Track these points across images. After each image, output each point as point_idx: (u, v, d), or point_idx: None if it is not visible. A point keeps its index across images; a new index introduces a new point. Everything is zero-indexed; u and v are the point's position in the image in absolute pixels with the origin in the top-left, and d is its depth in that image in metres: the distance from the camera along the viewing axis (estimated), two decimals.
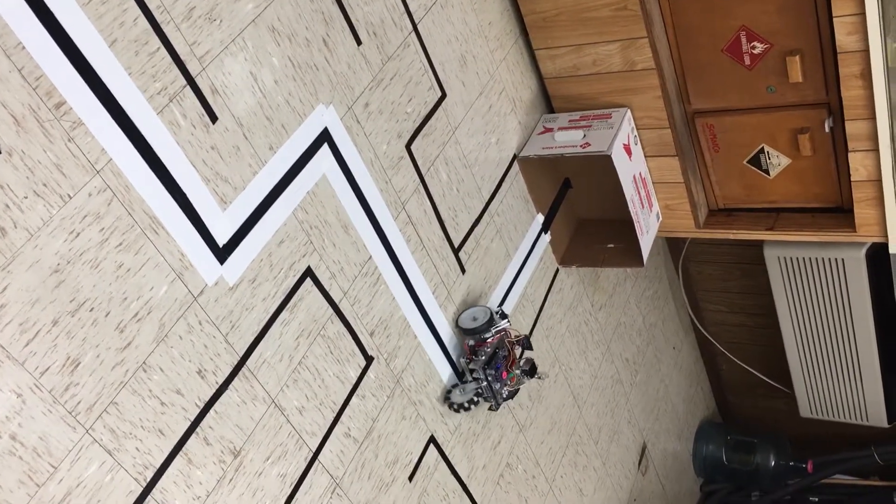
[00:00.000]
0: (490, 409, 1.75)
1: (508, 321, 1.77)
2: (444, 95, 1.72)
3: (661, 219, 2.16)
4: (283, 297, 1.38)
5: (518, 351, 1.76)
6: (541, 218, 2.07)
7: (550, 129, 2.00)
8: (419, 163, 1.67)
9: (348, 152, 1.49)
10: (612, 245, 2.15)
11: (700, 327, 2.89)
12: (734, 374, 3.13)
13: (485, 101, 1.84)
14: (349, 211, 1.50)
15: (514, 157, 1.96)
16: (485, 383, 1.71)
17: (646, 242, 2.05)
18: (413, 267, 1.66)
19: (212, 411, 1.26)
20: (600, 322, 2.42)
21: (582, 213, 2.26)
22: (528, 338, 1.79)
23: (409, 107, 1.64)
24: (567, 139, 1.94)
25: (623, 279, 2.53)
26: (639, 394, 2.67)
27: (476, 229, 1.84)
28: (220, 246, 1.27)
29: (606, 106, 1.97)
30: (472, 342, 1.75)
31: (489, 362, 1.70)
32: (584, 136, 1.92)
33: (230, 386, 1.29)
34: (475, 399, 1.73)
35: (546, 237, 2.10)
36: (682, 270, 2.77)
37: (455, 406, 1.73)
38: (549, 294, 2.11)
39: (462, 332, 1.76)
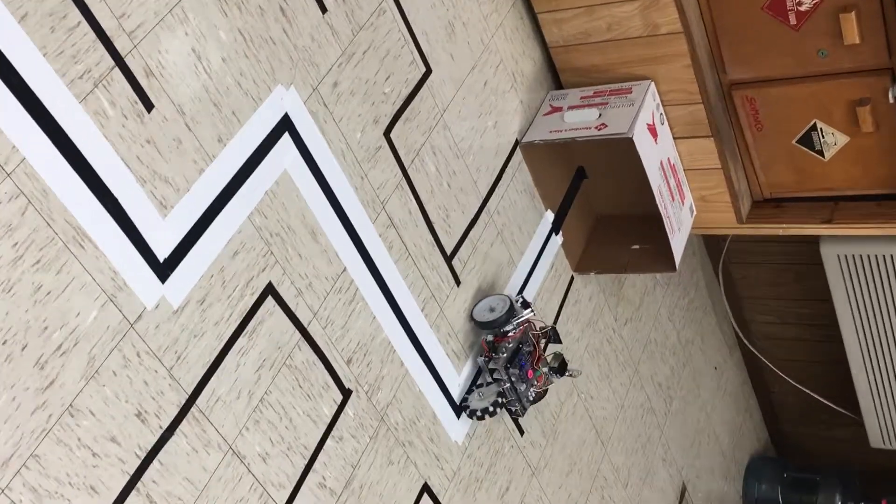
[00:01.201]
0: (514, 415, 1.75)
1: (532, 310, 1.77)
2: (428, 71, 1.71)
3: (695, 213, 2.16)
4: (239, 321, 1.37)
5: (544, 344, 1.75)
6: (550, 216, 2.07)
7: (559, 109, 1.99)
8: (401, 153, 1.66)
9: (314, 143, 1.49)
10: (637, 246, 2.15)
11: (747, 343, 2.89)
12: (789, 399, 3.13)
13: (478, 77, 1.84)
14: (317, 214, 1.49)
15: (517, 143, 1.96)
16: (508, 385, 1.72)
17: (678, 242, 2.05)
18: (397, 280, 1.65)
19: (155, 462, 1.25)
20: (626, 340, 2.41)
21: (600, 209, 2.26)
22: (555, 329, 1.80)
23: (387, 86, 1.63)
24: (579, 120, 1.93)
25: (652, 287, 2.53)
26: (675, 425, 2.66)
27: (472, 232, 1.84)
28: (161, 261, 1.26)
29: (625, 79, 1.97)
30: (490, 337, 1.76)
31: (511, 360, 1.72)
32: (600, 115, 1.92)
33: (177, 431, 1.27)
34: (499, 402, 1.73)
35: (557, 239, 2.09)
36: (722, 274, 2.77)
37: (476, 413, 1.73)
38: (563, 307, 2.11)
39: (477, 325, 1.77)
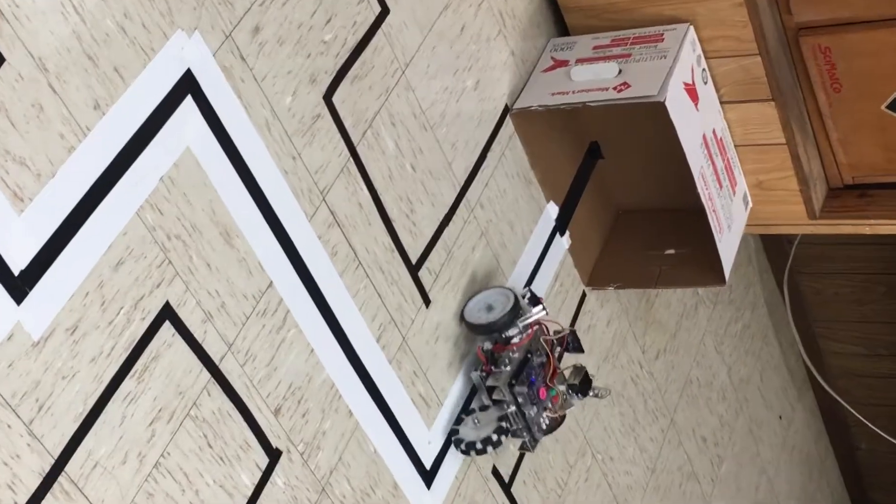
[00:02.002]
0: (522, 449, 1.78)
1: (544, 308, 1.79)
2: (385, 11, 1.72)
3: (750, 205, 2.17)
4: (125, 357, 1.36)
5: (559, 354, 1.79)
6: (554, 210, 2.08)
7: (564, 63, 2.00)
8: (347, 125, 1.66)
9: (227, 110, 1.48)
10: (672, 251, 2.16)
11: (822, 382, 2.91)
12: (881, 458, 3.15)
13: (453, 21, 1.84)
14: (232, 208, 1.49)
15: (507, 110, 1.96)
16: (513, 408, 1.74)
17: (728, 245, 2.06)
18: (343, 299, 1.65)
19: None
20: (658, 379, 2.42)
21: (621, 200, 2.27)
22: (574, 333, 1.83)
23: (328, 32, 1.63)
24: (592, 78, 1.94)
25: (693, 307, 2.54)
26: (725, 495, 2.67)
27: (446, 232, 1.84)
28: (16, 273, 1.25)
29: (654, 21, 1.98)
30: (488, 345, 1.79)
31: (518, 374, 1.73)
32: (620, 72, 1.93)
33: None
34: (503, 428, 1.75)
35: (563, 241, 2.10)
36: (788, 289, 2.79)
37: (474, 447, 1.75)
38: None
39: (470, 328, 1.79)
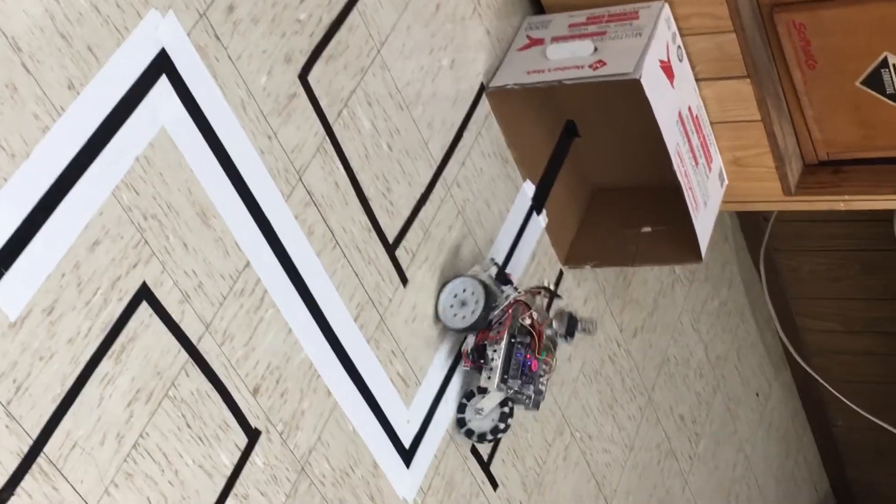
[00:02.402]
0: (530, 407, 1.86)
1: (515, 287, 1.83)
2: None
3: (726, 182, 2.18)
4: (102, 338, 1.36)
5: (538, 317, 1.83)
6: (531, 188, 2.08)
7: (539, 42, 2.00)
8: (323, 104, 1.66)
9: (203, 90, 1.48)
10: (648, 229, 2.16)
11: (799, 359, 2.92)
12: (858, 435, 3.17)
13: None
14: (209, 188, 1.49)
15: (482, 88, 1.97)
16: (511, 391, 1.82)
17: (704, 222, 2.07)
18: (320, 278, 1.65)
19: None
20: (635, 358, 2.43)
21: (597, 179, 2.27)
22: (549, 289, 1.90)
23: (303, 11, 1.63)
24: (568, 56, 1.95)
25: (670, 284, 2.55)
26: (703, 473, 2.69)
27: (423, 212, 1.84)
28: None
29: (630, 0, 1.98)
30: (470, 342, 1.83)
31: (507, 368, 1.79)
32: (596, 49, 1.93)
33: (18, 489, 1.26)
34: (507, 412, 1.82)
35: (540, 220, 2.10)
36: (765, 266, 2.80)
37: (485, 437, 1.84)
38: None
39: (452, 332, 1.83)
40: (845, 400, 2.88)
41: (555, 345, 1.88)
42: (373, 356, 1.74)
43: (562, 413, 2.18)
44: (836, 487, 3.36)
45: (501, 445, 2.01)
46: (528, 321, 1.81)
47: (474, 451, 1.94)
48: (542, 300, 1.89)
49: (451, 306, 1.84)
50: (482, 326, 1.81)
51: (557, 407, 2.16)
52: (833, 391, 2.89)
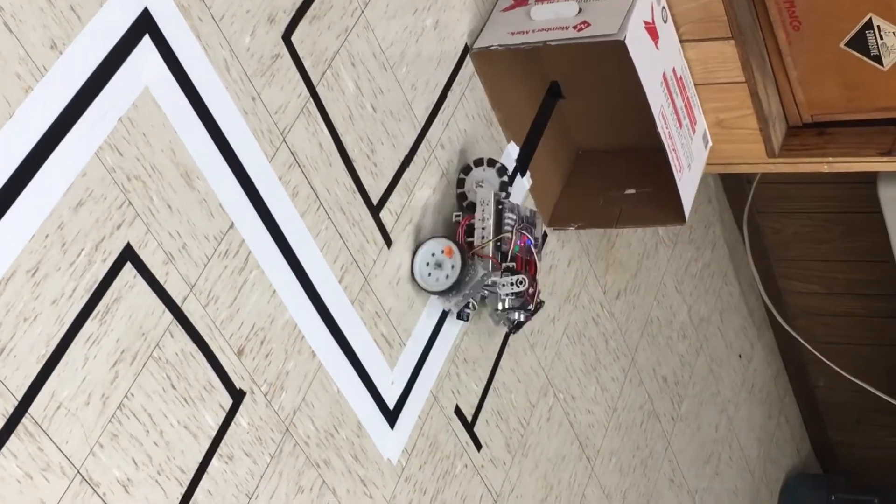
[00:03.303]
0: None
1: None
2: None
3: (710, 144, 2.18)
4: (86, 298, 1.36)
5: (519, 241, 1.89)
6: (514, 150, 2.08)
7: (524, 2, 2.00)
8: (307, 65, 1.66)
9: (186, 50, 1.48)
10: (632, 191, 2.17)
11: (781, 321, 2.94)
12: (839, 396, 3.19)
13: None
14: (192, 149, 1.49)
15: (466, 49, 1.96)
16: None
17: (688, 184, 2.07)
18: (304, 239, 1.66)
19: None
20: (618, 319, 2.44)
21: (581, 141, 2.27)
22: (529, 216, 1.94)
23: None
24: (552, 17, 1.94)
25: (653, 247, 2.55)
26: (686, 434, 2.70)
27: (407, 173, 1.84)
28: None
29: None
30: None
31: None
32: (580, 10, 1.93)
33: (3, 450, 1.27)
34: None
35: (524, 182, 2.10)
36: (748, 228, 2.81)
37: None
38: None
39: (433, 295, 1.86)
40: (827, 361, 2.90)
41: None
42: (357, 318, 1.75)
43: (545, 374, 2.19)
44: (818, 448, 3.38)
45: (485, 406, 2.02)
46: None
47: (458, 412, 1.95)
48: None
49: (427, 264, 1.85)
50: (460, 288, 1.82)
51: (541, 368, 2.17)
52: (815, 352, 2.91)
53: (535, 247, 1.90)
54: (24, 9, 1.29)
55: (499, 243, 1.86)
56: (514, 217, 1.87)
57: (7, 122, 1.27)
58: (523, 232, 1.88)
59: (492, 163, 1.90)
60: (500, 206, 1.86)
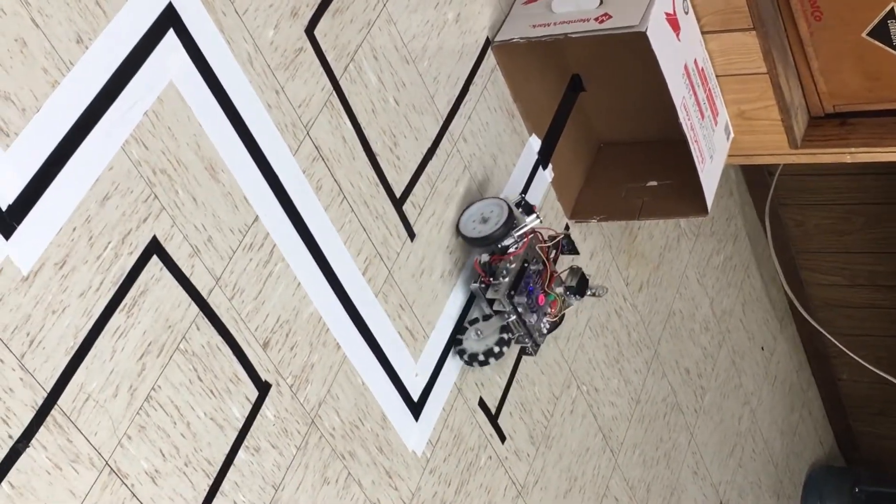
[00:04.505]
0: (526, 353, 1.86)
1: (538, 216, 1.84)
2: None
3: (732, 135, 2.18)
4: (113, 291, 1.37)
5: (554, 256, 1.85)
6: (536, 143, 2.08)
7: None
8: (330, 58, 1.66)
9: (210, 44, 1.48)
10: (654, 183, 2.17)
11: (804, 313, 2.93)
12: (862, 388, 3.19)
13: None
14: (217, 143, 1.49)
15: (488, 42, 1.97)
16: (514, 317, 1.81)
17: (710, 175, 2.07)
18: (328, 232, 1.66)
19: (4, 485, 1.25)
20: (641, 312, 2.44)
21: (603, 133, 2.27)
22: (569, 236, 1.90)
23: None
24: (573, 9, 1.94)
25: (675, 239, 2.55)
26: (708, 425, 2.70)
27: (430, 166, 1.85)
28: (4, 209, 1.26)
29: None
30: (485, 257, 1.83)
31: (516, 285, 1.79)
32: (602, 2, 1.93)
33: (33, 441, 1.28)
34: (505, 339, 1.82)
35: (546, 174, 2.11)
36: (770, 220, 2.80)
37: (477, 358, 1.83)
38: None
39: (467, 241, 1.84)
40: (850, 353, 2.89)
41: (565, 303, 1.89)
42: (381, 310, 1.75)
43: (568, 367, 2.19)
44: (841, 441, 3.38)
45: (509, 398, 2.02)
46: (542, 252, 1.85)
47: (482, 404, 1.96)
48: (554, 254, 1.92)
49: (474, 221, 1.86)
50: (495, 240, 1.82)
51: (564, 360, 2.18)
52: (838, 344, 2.90)
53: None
54: (50, 4, 1.29)
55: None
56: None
57: (34, 117, 1.28)
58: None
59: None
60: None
